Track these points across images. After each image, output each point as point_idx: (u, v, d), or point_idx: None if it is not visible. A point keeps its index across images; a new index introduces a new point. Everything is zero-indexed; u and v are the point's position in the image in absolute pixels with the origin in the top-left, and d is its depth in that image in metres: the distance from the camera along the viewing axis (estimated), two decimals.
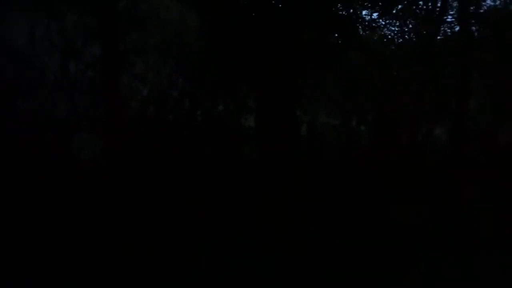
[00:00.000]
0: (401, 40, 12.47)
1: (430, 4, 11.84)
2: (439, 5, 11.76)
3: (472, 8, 12.31)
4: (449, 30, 12.87)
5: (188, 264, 4.49)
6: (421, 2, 11.72)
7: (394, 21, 12.07)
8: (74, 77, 8.89)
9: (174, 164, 7.64)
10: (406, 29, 12.33)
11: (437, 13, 11.70)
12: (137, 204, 6.05)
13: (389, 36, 12.49)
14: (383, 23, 12.12)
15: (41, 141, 7.74)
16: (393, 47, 12.19)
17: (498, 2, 12.86)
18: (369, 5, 8.75)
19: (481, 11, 12.67)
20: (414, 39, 12.28)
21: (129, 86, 9.34)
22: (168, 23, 10.49)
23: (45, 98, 8.38)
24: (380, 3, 8.67)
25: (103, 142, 7.90)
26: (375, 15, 10.70)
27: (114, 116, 8.04)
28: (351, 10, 8.67)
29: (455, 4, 12.44)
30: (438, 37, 12.24)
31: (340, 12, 8.44)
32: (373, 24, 10.30)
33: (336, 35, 8.61)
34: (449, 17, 12.61)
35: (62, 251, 4.53)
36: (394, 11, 11.02)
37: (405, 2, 10.87)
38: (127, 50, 9.38)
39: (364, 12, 10.57)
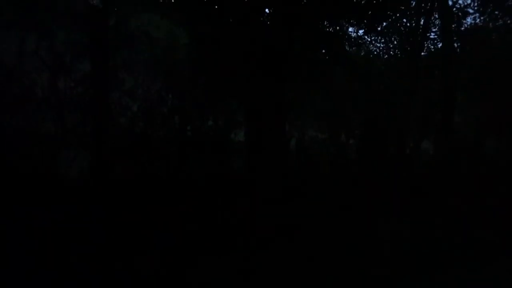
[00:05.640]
0: (386, 56, 12.83)
1: (414, 21, 12.24)
2: (422, 22, 12.16)
3: (454, 25, 12.75)
4: (432, 47, 13.29)
5: (181, 275, 4.45)
6: (405, 20, 12.11)
7: (380, 37, 12.46)
8: (63, 93, 8.87)
9: (163, 180, 7.61)
10: (391, 46, 12.71)
11: (421, 30, 12.08)
12: (126, 220, 5.99)
13: (375, 52, 12.85)
14: (369, 39, 12.50)
15: (28, 157, 7.66)
16: (379, 63, 12.50)
17: (478, 20, 13.37)
18: (355, 22, 8.99)
19: (462, 28, 13.14)
20: (399, 55, 12.63)
21: (119, 102, 9.34)
22: (158, 40, 10.60)
23: (33, 114, 8.33)
24: (365, 21, 8.91)
25: (91, 159, 7.86)
26: (361, 32, 11.03)
27: (103, 132, 8.02)
28: (338, 27, 8.90)
29: (437, 22, 12.88)
30: (422, 53, 12.61)
31: (327, 29, 8.65)
32: (359, 41, 10.59)
33: (323, 51, 8.80)
34: (432, 34, 13.04)
35: (49, 271, 4.45)
36: (379, 28, 11.37)
37: (390, 19, 11.22)
38: (117, 67, 9.43)
39: (350, 29, 10.89)
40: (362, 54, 12.35)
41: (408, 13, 11.57)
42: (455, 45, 13.01)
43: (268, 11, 8.12)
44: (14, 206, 5.63)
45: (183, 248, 5.26)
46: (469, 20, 14.49)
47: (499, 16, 13.36)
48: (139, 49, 10.47)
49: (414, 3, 11.79)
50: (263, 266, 4.78)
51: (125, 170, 7.84)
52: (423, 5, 11.91)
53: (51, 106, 8.64)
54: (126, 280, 4.36)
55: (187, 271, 4.64)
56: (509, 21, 13.30)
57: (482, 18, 13.37)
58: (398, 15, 10.91)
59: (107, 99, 8.40)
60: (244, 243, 5.54)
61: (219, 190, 7.42)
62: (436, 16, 12.62)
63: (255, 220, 6.37)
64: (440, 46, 12.96)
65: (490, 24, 13.48)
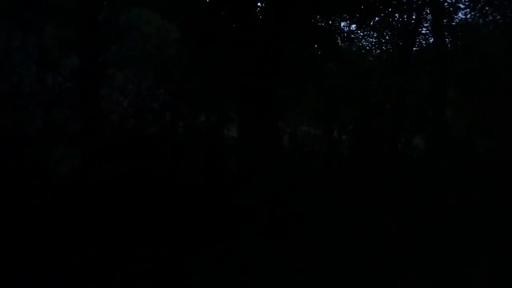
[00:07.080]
0: (378, 51, 12.86)
1: (405, 16, 12.26)
2: (414, 17, 12.19)
3: (445, 21, 12.81)
4: (424, 42, 13.35)
5: (173, 274, 4.39)
6: (397, 15, 12.13)
7: (372, 32, 12.47)
8: (51, 90, 8.68)
9: (155, 176, 7.52)
10: (383, 41, 12.74)
11: (413, 25, 12.11)
12: (118, 217, 5.90)
13: (367, 47, 12.86)
14: (361, 34, 12.50)
15: (16, 155, 7.49)
16: (371, 58, 12.52)
17: (469, 16, 13.48)
18: (348, 17, 8.96)
19: (453, 23, 13.22)
20: (391, 50, 12.66)
21: (109, 99, 9.18)
22: (149, 36, 10.44)
23: (20, 111, 8.15)
24: (358, 15, 8.89)
25: (81, 156, 7.73)
26: (353, 26, 11.02)
27: (93, 129, 7.89)
28: (330, 22, 8.86)
29: (429, 17, 12.93)
30: (414, 48, 12.66)
31: (319, 24, 8.61)
32: (352, 36, 10.56)
33: (316, 46, 8.76)
34: (424, 29, 13.10)
35: (40, 271, 4.35)
36: (371, 23, 11.37)
37: (382, 14, 11.22)
38: (107, 62, 9.26)
39: (342, 24, 10.87)
40: (354, 49, 12.35)
41: (400, 7, 11.58)
42: (446, 40, 13.08)
43: (260, 5, 8.05)
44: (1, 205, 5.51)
45: (175, 247, 5.20)
46: (460, 15, 14.56)
47: (489, 12, 13.47)
48: (130, 45, 10.30)
49: None
50: (257, 265, 4.74)
51: (116, 167, 7.73)
52: None
53: (39, 103, 8.46)
54: (120, 279, 4.28)
55: (180, 270, 4.58)
56: (498, 17, 13.43)
57: (472, 13, 13.47)
58: (390, 9, 10.92)
59: (97, 96, 8.26)
60: (237, 241, 5.50)
61: (212, 187, 7.36)
62: (428, 11, 12.66)
63: (248, 217, 6.33)
64: (432, 41, 13.03)
65: (480, 20, 13.58)
